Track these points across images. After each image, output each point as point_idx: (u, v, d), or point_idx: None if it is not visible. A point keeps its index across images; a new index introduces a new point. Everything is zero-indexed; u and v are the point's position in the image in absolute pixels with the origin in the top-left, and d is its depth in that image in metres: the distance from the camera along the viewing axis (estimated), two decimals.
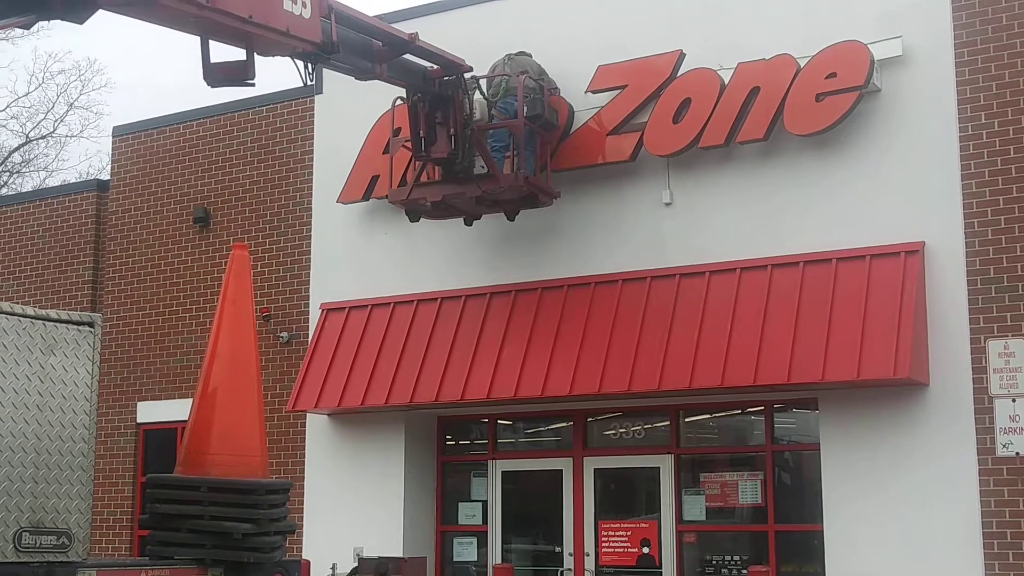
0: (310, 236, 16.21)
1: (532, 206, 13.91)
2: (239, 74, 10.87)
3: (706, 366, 12.61)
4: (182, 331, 17.11)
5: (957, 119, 12.43)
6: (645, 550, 13.78)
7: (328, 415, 15.41)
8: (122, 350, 17.50)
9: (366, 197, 15.34)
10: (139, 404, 17.33)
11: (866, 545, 12.24)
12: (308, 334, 15.80)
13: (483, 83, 13.85)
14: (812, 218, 12.96)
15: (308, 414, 15.49)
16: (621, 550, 13.94)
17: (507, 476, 14.94)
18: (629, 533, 13.96)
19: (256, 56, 10.89)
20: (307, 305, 16.05)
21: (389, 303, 15.10)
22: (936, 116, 12.51)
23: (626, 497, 14.59)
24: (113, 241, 18.08)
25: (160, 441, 16.98)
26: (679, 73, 13.59)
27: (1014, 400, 11.79)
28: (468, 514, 15.14)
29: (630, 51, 13.92)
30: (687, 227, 13.60)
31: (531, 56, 14.14)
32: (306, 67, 11.54)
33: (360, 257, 15.64)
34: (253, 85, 10.99)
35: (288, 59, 11.40)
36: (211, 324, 9.06)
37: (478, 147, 13.40)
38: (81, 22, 9.36)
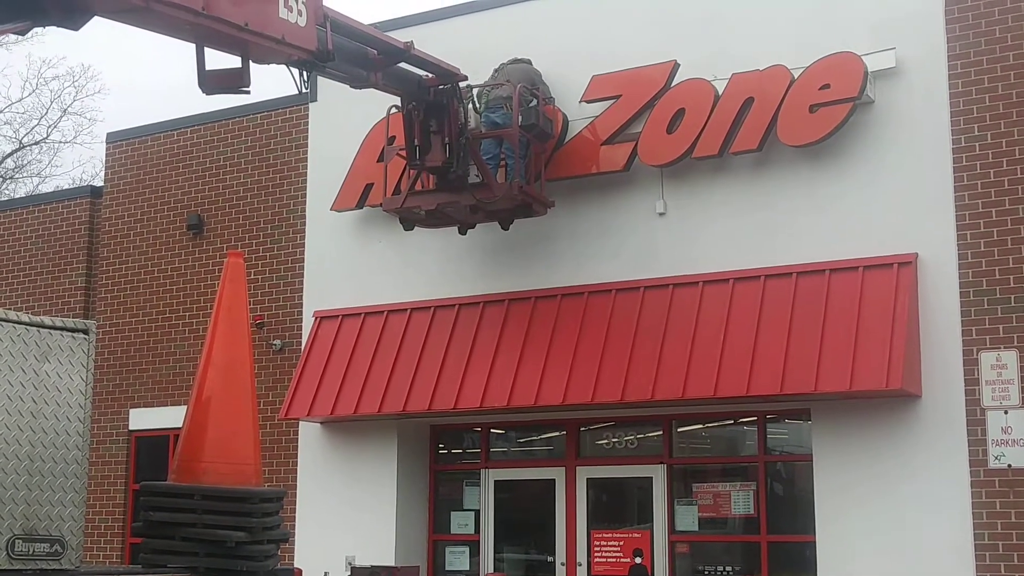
0: (304, 244, 16.20)
1: (526, 215, 13.93)
2: (234, 81, 10.86)
3: (699, 376, 12.62)
4: (174, 338, 17.09)
5: (950, 131, 12.46)
6: (637, 560, 13.77)
7: (321, 423, 15.39)
8: (114, 357, 17.47)
9: (360, 205, 15.35)
10: (131, 411, 17.30)
11: (858, 556, 12.25)
12: (301, 342, 15.78)
13: (476, 93, 13.88)
14: (805, 229, 12.98)
15: (301, 422, 15.47)
16: (613, 560, 13.93)
17: (500, 485, 14.93)
18: (621, 543, 13.96)
19: (251, 63, 10.89)
20: (300, 313, 16.04)
21: (382, 311, 15.09)
22: (929, 128, 12.55)
23: (619, 507, 14.59)
24: (106, 247, 18.06)
25: (152, 448, 16.94)
26: (673, 83, 13.63)
27: (1006, 412, 11.82)
28: (460, 523, 15.13)
29: (624, 61, 13.95)
30: (680, 237, 13.62)
31: (529, 62, 14.16)
32: (301, 75, 11.56)
33: (354, 265, 15.64)
34: (248, 92, 10.98)
35: (283, 67, 11.41)
36: (204, 331, 9.03)
37: (473, 156, 13.41)
38: (77, 28, 9.33)
